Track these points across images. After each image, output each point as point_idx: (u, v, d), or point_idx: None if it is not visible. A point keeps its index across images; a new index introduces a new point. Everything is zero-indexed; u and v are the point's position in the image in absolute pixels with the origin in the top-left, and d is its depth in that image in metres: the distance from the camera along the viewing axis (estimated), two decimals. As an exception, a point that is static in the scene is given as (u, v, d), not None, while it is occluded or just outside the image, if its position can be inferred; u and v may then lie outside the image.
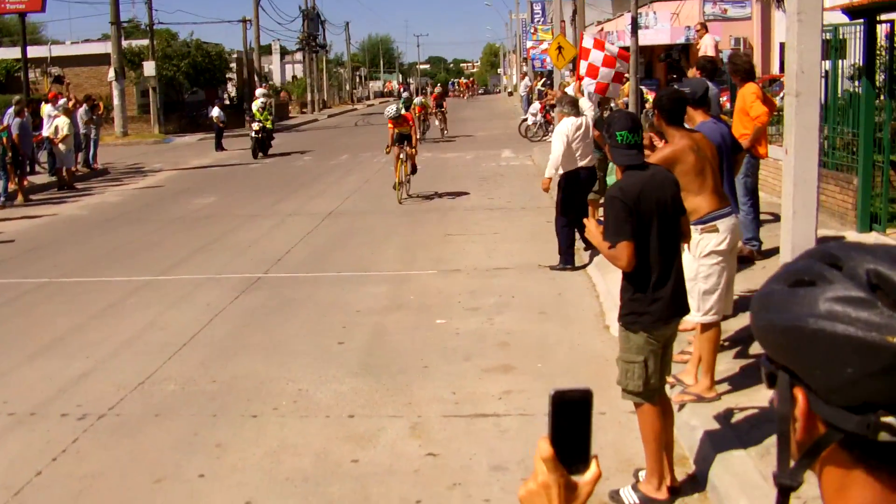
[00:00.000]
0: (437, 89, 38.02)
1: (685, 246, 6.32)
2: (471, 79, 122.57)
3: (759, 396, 6.12)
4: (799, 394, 1.19)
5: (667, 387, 5.40)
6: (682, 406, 6.13)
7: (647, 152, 6.51)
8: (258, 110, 29.08)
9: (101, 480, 5.71)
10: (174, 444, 6.24)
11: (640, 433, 5.13)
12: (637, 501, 5.06)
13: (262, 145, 29.08)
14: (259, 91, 32.22)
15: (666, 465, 5.15)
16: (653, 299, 4.95)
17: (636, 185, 4.94)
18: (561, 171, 10.97)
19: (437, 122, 35.17)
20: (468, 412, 6.58)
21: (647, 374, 4.99)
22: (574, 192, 11.04)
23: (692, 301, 6.28)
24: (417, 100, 29.16)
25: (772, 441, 5.33)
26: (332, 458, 5.87)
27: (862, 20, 10.55)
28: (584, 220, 5.45)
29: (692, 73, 11.28)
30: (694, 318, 6.37)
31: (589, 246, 10.98)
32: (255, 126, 28.75)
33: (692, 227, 6.24)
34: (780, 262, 5.98)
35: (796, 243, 5.74)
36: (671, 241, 5.06)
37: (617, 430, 6.14)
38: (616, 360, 5.17)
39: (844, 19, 11.38)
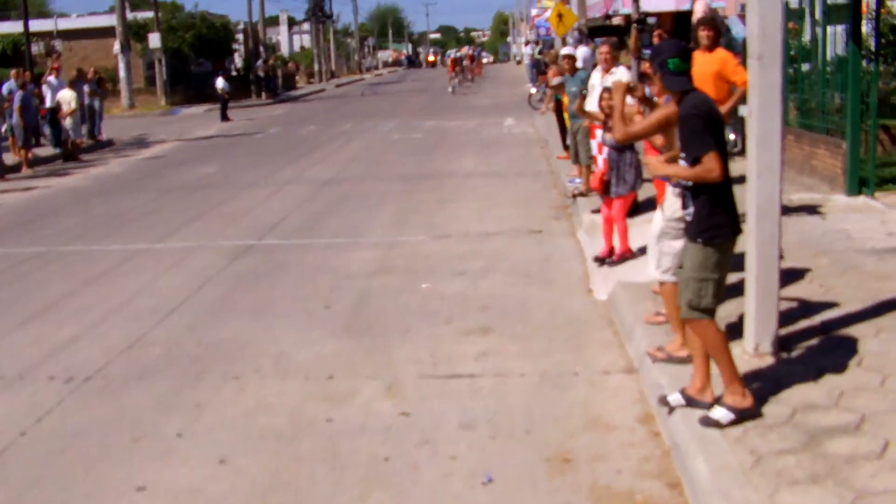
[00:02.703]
0: None
1: (658, 207, 6.43)
2: (472, 46, 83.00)
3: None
4: None
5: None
6: (654, 361, 6.23)
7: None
8: None
9: (83, 440, 5.86)
10: (155, 404, 6.38)
11: (711, 352, 5.24)
12: (733, 416, 5.10)
13: None
14: None
15: (705, 369, 5.36)
16: (729, 210, 5.15)
17: (705, 101, 5.12)
18: None
19: None
20: (444, 373, 6.71)
21: (720, 289, 5.19)
22: None
23: (652, 257, 6.40)
24: None
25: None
26: (307, 417, 6.01)
27: (849, -17, 10.57)
28: (644, 158, 5.54)
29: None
30: (653, 274, 6.48)
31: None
32: None
33: (670, 189, 6.32)
34: (747, 224, 6.04)
35: (761, 204, 5.82)
36: (726, 157, 5.20)
37: (588, 389, 6.26)
38: (685, 280, 5.23)
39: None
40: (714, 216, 5.12)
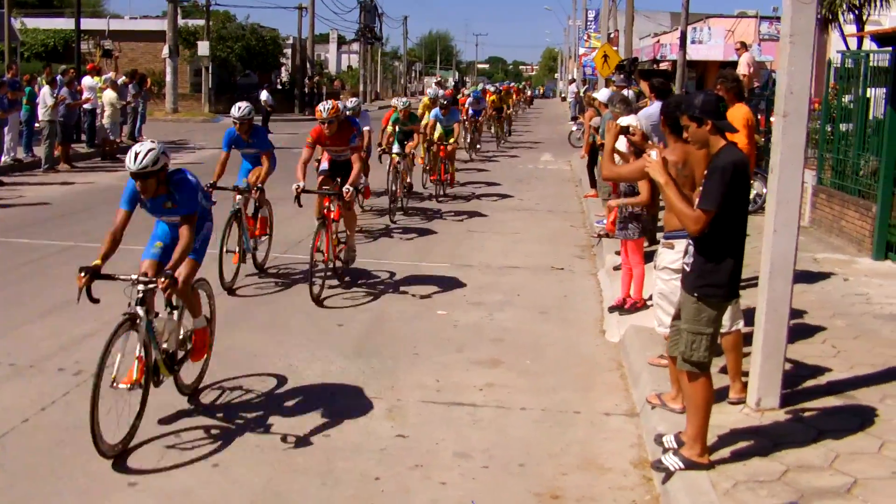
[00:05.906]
0: None
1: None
2: (512, 85, 49.69)
3: (727, 410, 6.19)
4: None
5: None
6: (652, 407, 6.24)
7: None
8: None
9: (82, 432, 5.89)
10: (158, 404, 6.45)
11: (689, 404, 5.30)
12: (682, 465, 5.17)
13: None
14: None
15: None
16: (731, 273, 5.12)
17: (743, 161, 5.08)
18: None
19: None
20: (447, 400, 6.74)
21: (713, 343, 5.21)
22: None
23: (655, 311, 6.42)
24: None
25: (726, 457, 5.41)
26: (305, 431, 6.06)
27: (890, 48, 10.55)
28: (646, 154, 5.52)
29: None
30: (657, 329, 6.49)
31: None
32: None
33: (661, 240, 6.34)
34: (760, 279, 6.06)
35: (775, 261, 5.82)
36: (746, 217, 5.20)
37: (587, 429, 6.27)
38: (679, 331, 5.28)
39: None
40: (714, 274, 5.08)
